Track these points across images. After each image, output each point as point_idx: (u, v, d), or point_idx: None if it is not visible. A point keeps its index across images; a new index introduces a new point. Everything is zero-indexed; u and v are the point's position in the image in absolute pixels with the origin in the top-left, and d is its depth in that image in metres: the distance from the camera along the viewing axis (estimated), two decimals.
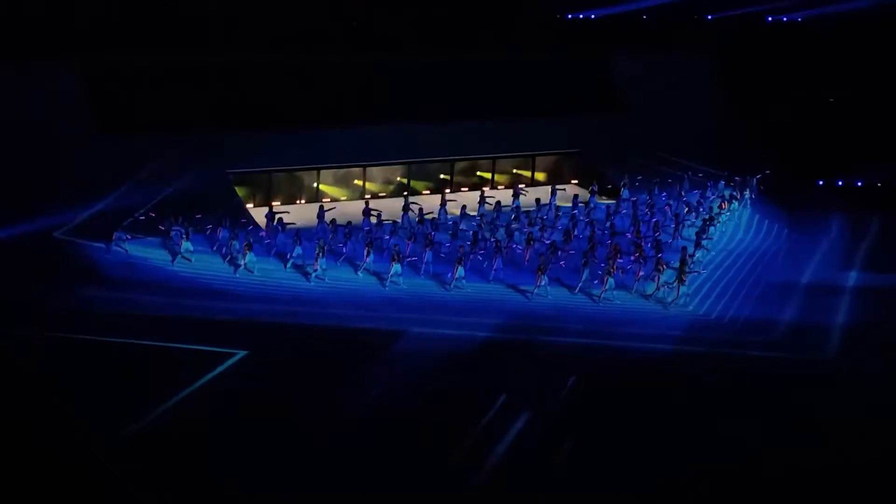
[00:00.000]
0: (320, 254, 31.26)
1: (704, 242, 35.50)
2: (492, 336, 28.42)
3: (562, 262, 33.41)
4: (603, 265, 31.94)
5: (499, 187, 44.42)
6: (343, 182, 42.55)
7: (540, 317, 30.25)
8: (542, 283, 30.97)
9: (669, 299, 31.20)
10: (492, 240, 34.52)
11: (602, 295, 31.22)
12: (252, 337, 26.91)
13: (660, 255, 32.76)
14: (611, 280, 31.11)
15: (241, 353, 25.80)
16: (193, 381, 23.99)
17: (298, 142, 40.59)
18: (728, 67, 51.07)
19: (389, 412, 23.25)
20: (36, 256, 31.30)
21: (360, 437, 22.01)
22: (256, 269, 31.99)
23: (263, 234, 34.29)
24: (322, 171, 41.57)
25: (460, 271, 31.42)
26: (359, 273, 32.51)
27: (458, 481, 20.66)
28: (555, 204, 39.37)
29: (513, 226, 36.31)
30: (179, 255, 32.12)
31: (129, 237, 33.04)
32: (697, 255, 33.90)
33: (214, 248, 33.54)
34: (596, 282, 31.76)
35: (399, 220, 36.27)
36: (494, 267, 32.60)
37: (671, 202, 40.47)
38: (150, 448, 20.99)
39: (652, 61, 49.91)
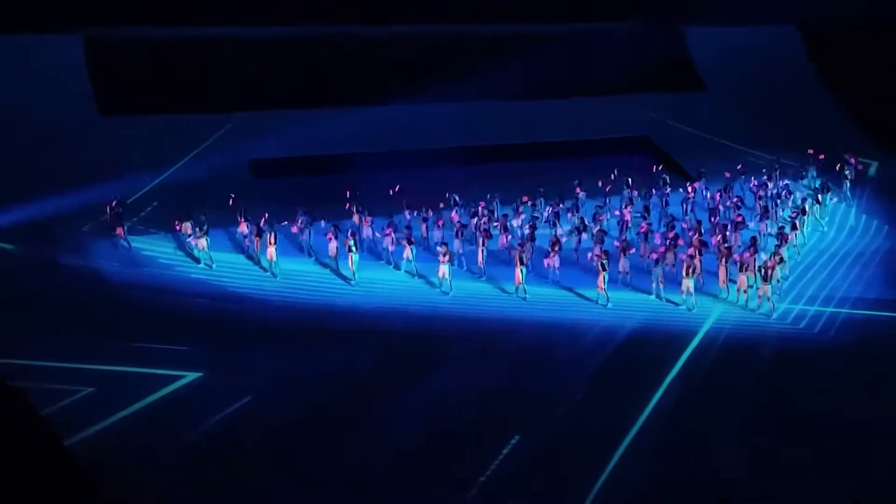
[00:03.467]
0: (353, 251, 29.63)
1: (794, 239, 33.05)
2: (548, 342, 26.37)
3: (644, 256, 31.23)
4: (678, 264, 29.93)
5: None
6: None
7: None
8: (604, 284, 28.95)
9: (751, 305, 29.07)
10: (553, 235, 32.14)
11: (683, 300, 28.92)
12: (275, 343, 25.52)
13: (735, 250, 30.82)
14: (690, 281, 28.65)
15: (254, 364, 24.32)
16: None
17: (328, 123, 39.05)
18: (815, 38, 49.94)
19: (438, 418, 21.90)
20: (32, 249, 30.17)
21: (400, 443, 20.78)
22: (279, 270, 30.09)
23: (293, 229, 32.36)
24: None
25: (522, 273, 29.04)
26: (400, 271, 30.74)
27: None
28: (627, 197, 36.75)
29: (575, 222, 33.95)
30: (203, 262, 30.45)
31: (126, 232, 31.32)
32: (786, 254, 31.37)
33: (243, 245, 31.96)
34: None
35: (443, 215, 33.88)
36: (555, 267, 30.30)
37: (756, 192, 37.93)
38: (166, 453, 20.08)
39: (730, 33, 48.50)
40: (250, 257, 30.75)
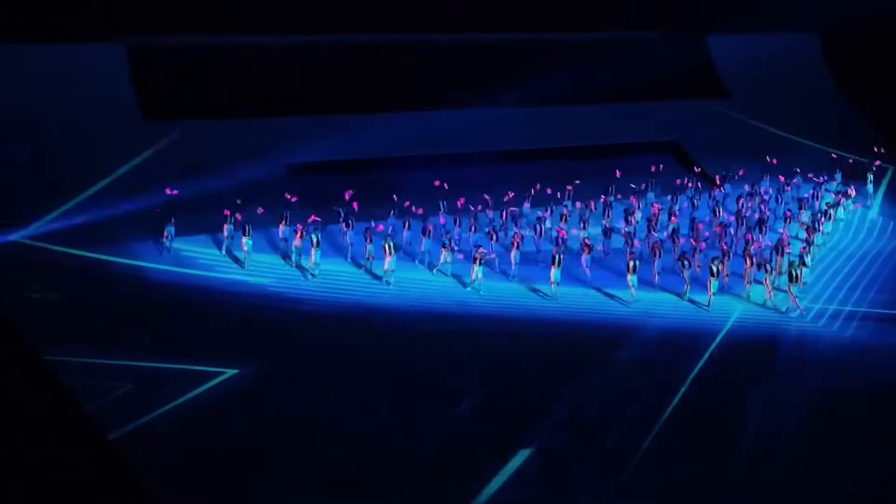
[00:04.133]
0: (390, 252, 29.48)
1: (817, 241, 33.53)
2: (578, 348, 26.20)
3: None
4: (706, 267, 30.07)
5: None
6: None
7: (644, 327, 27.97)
8: (633, 285, 29.08)
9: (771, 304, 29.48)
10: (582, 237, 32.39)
11: (709, 302, 29.30)
12: (312, 341, 25.72)
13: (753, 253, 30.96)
14: (715, 282, 29.11)
15: (292, 362, 24.41)
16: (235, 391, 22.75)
17: (365, 128, 39.14)
18: (834, 46, 49.50)
19: (465, 415, 22.29)
20: (69, 254, 30.11)
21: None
22: (318, 271, 30.17)
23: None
24: None
25: (556, 274, 29.11)
26: (434, 272, 30.78)
27: None
28: (653, 199, 37.12)
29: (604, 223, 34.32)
30: (243, 261, 30.63)
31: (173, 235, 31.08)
32: (809, 258, 31.61)
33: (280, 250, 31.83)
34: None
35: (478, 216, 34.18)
36: (587, 267, 30.63)
37: (780, 195, 38.55)
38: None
39: (753, 40, 48.13)
40: (288, 258, 30.87)
